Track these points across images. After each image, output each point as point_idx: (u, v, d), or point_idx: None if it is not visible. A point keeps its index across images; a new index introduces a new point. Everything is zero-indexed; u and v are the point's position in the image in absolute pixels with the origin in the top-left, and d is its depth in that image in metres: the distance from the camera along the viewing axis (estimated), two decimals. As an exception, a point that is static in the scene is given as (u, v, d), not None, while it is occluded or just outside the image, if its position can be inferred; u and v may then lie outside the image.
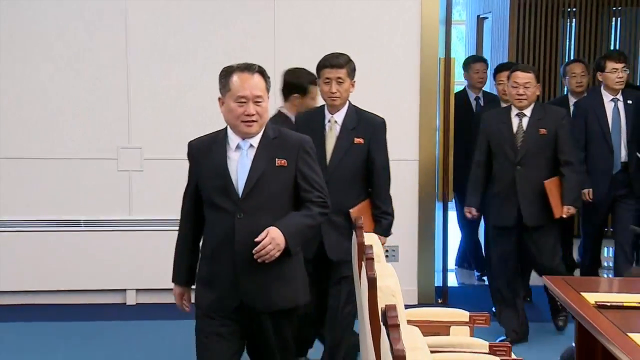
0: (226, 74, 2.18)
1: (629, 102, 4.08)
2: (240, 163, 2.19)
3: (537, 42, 6.41)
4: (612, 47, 6.32)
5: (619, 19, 6.48)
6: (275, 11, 4.38)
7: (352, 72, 2.83)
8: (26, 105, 4.29)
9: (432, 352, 1.95)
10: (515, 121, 3.73)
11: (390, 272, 2.26)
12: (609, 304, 2.59)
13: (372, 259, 2.04)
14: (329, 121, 2.86)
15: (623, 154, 4.08)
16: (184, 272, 2.33)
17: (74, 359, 3.73)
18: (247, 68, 2.18)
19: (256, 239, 2.10)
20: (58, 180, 4.27)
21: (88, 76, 4.31)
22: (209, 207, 2.23)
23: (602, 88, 4.12)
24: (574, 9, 6.38)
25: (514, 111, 3.76)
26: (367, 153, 2.88)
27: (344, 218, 2.82)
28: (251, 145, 2.18)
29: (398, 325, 1.49)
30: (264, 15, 4.40)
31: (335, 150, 2.87)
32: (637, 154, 4.13)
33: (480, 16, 7.51)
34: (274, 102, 3.08)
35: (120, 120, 4.23)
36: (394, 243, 3.82)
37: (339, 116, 2.85)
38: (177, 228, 2.54)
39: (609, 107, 4.11)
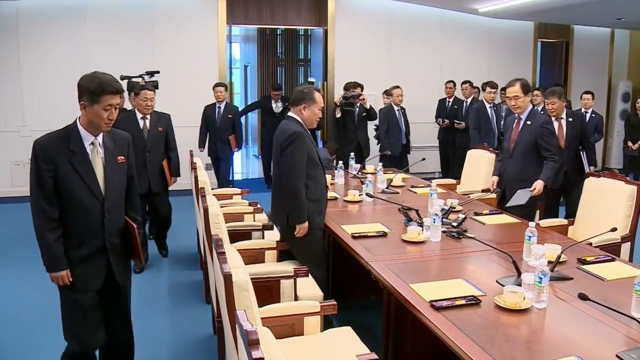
0: (310, 91, 3.13)
1: (402, 110, 6.43)
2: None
3: (269, 79, 9.58)
4: (299, 83, 9.70)
5: (301, 68, 10.09)
6: (152, 37, 6.62)
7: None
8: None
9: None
10: (141, 122, 4.23)
11: (214, 202, 2.95)
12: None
13: (204, 196, 2.79)
14: (92, 144, 2.37)
15: (403, 138, 6.42)
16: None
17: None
18: (319, 90, 3.17)
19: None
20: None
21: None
22: (313, 168, 3.13)
23: (392, 103, 6.30)
24: (283, 63, 10.01)
25: (139, 115, 4.20)
26: (127, 167, 2.51)
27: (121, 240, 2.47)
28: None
29: (222, 242, 2.14)
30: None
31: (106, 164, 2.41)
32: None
33: (245, 64, 10.70)
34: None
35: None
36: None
37: (100, 138, 2.39)
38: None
39: (397, 113, 6.36)
